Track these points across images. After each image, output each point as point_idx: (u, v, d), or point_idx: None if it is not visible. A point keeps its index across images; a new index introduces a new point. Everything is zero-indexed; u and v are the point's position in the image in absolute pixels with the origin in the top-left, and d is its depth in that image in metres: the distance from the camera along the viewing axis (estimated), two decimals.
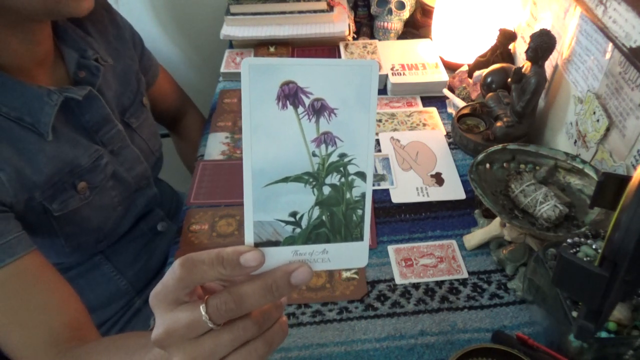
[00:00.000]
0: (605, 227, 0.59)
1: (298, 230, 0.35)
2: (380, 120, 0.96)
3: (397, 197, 0.80)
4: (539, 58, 0.78)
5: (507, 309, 0.65)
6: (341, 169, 0.34)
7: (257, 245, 0.34)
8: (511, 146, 0.76)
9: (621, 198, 0.37)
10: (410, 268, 0.70)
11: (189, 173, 1.05)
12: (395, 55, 1.08)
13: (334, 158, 0.34)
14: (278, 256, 0.35)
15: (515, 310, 0.65)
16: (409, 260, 0.71)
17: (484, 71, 0.93)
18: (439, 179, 0.83)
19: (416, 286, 0.68)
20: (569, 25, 0.80)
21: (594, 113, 0.70)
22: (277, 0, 1.11)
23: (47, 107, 0.62)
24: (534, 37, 0.77)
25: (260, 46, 1.15)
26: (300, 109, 0.32)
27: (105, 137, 0.72)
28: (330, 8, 1.14)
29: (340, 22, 1.14)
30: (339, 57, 1.11)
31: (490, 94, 0.90)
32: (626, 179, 0.39)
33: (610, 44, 0.67)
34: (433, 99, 1.02)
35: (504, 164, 0.77)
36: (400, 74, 1.02)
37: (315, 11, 1.13)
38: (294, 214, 0.34)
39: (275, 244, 0.35)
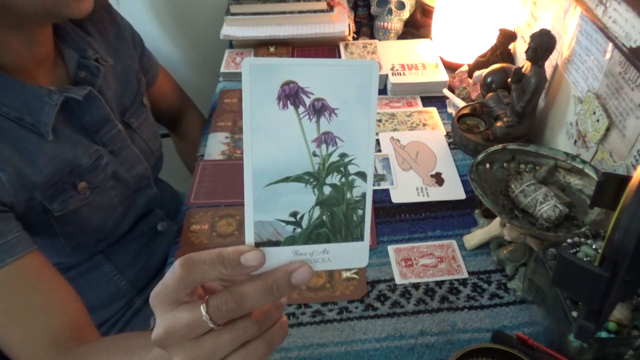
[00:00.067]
0: (605, 227, 0.59)
1: (298, 230, 0.35)
2: (380, 120, 0.96)
3: (397, 197, 0.80)
4: (539, 58, 0.78)
5: (507, 309, 0.65)
6: (342, 169, 0.34)
7: (258, 245, 0.34)
8: (511, 146, 0.76)
9: (621, 198, 0.38)
10: (410, 268, 0.70)
11: (189, 173, 1.05)
12: (395, 55, 1.08)
13: (334, 158, 0.34)
14: (278, 256, 0.35)
15: (515, 310, 0.65)
16: (409, 260, 0.71)
17: (484, 71, 0.93)
18: (439, 179, 0.83)
19: (416, 286, 0.68)
20: (569, 25, 0.80)
21: (594, 113, 0.70)
22: (277, 0, 1.11)
23: (47, 107, 0.62)
24: (534, 37, 0.77)
25: (260, 46, 1.15)
26: (301, 109, 0.32)
27: (105, 137, 0.72)
28: (330, 8, 1.14)
29: (340, 22, 1.14)
30: (339, 57, 1.11)
31: (490, 94, 0.90)
32: (626, 179, 0.39)
33: (610, 44, 0.67)
34: (433, 99, 1.02)
35: (504, 164, 0.77)
36: (400, 74, 1.02)
37: (315, 11, 1.13)
38: (294, 214, 0.34)
39: (276, 244, 0.35)
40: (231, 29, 1.12)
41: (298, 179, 0.34)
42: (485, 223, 0.73)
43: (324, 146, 0.33)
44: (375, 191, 0.81)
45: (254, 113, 0.32)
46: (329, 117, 0.33)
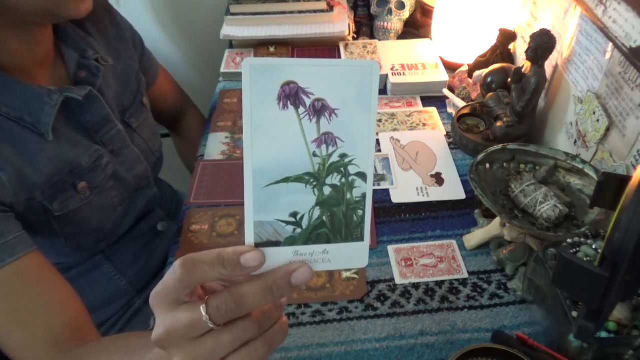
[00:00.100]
0: (605, 227, 0.59)
1: (299, 230, 0.35)
2: (380, 120, 0.96)
3: (397, 197, 0.80)
4: (539, 58, 0.78)
5: (507, 309, 0.65)
6: (342, 169, 0.34)
7: (258, 245, 0.34)
8: (511, 146, 0.76)
9: (621, 198, 0.38)
10: (410, 268, 0.70)
11: (189, 173, 1.05)
12: (395, 55, 1.08)
13: (334, 158, 0.34)
14: (278, 256, 0.35)
15: (515, 310, 0.65)
16: (409, 260, 0.71)
17: (484, 71, 0.93)
18: (439, 179, 0.83)
19: (416, 286, 0.68)
20: (569, 25, 0.80)
21: (594, 113, 0.70)
22: (277, 0, 1.11)
23: (47, 107, 0.62)
24: (534, 37, 0.77)
25: (260, 46, 1.15)
26: (301, 109, 0.32)
27: (105, 137, 0.72)
28: (330, 8, 1.14)
29: (340, 22, 1.14)
30: (339, 57, 1.11)
31: (490, 94, 0.90)
32: (626, 179, 0.39)
33: (610, 44, 0.67)
34: (433, 99, 1.02)
35: (504, 164, 0.77)
36: (400, 74, 1.02)
37: (315, 11, 1.13)
38: (294, 215, 0.34)
39: (276, 244, 0.35)
40: (231, 29, 1.12)
41: (298, 179, 0.34)
42: (485, 223, 0.74)
43: (324, 146, 0.33)
44: (375, 191, 0.81)
45: (254, 113, 0.32)
46: (329, 117, 0.33)
